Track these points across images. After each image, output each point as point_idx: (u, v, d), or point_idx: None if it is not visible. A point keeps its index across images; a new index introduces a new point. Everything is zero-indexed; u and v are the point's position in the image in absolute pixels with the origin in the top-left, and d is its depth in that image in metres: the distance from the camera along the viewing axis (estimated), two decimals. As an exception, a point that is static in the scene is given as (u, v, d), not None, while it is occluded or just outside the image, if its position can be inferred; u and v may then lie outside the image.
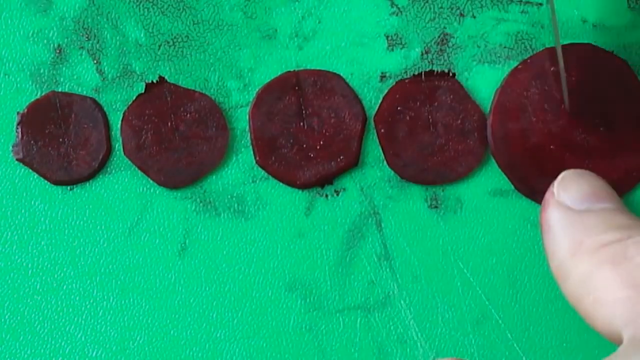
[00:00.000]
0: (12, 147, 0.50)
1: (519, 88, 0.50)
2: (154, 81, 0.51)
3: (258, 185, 0.50)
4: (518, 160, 0.50)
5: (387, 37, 0.51)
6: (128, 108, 0.50)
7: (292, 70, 0.51)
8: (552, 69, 0.50)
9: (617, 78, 0.50)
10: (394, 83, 0.51)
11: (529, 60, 0.50)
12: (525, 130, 0.50)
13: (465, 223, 0.50)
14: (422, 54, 0.51)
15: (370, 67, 0.51)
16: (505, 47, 0.51)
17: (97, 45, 0.51)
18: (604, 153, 0.50)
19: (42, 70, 0.51)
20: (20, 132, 0.50)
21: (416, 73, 0.51)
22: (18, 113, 0.51)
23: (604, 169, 0.49)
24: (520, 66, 0.50)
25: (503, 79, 0.50)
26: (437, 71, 0.51)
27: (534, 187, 0.50)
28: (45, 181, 0.50)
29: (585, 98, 0.50)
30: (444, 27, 0.51)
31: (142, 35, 0.51)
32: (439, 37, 0.51)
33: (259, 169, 0.50)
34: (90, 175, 0.50)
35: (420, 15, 0.51)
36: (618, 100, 0.50)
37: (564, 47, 0.50)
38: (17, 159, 0.50)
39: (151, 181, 0.50)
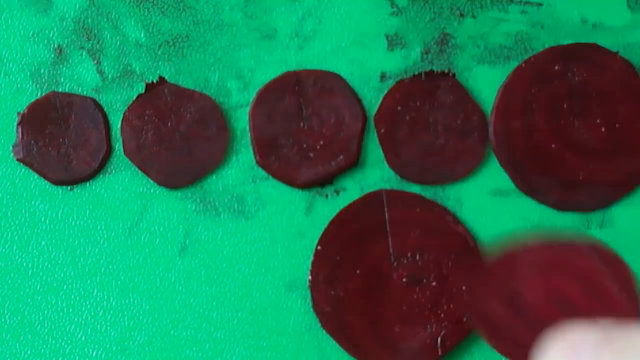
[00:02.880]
0: (12, 147, 0.51)
1: (522, 86, 0.50)
2: (154, 81, 0.51)
3: (258, 185, 0.50)
4: (519, 158, 0.50)
5: (387, 37, 0.51)
6: (128, 108, 0.50)
7: (292, 70, 0.51)
8: (555, 67, 0.50)
9: (620, 78, 0.50)
10: (394, 83, 0.51)
11: (532, 59, 0.50)
12: (527, 129, 0.50)
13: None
14: (422, 54, 0.51)
15: (370, 67, 0.51)
16: (505, 47, 0.51)
17: (97, 45, 0.51)
18: (605, 153, 0.49)
19: (42, 70, 0.51)
20: (20, 132, 0.50)
21: (416, 73, 0.51)
22: (18, 113, 0.51)
23: (605, 169, 0.49)
24: (523, 65, 0.50)
25: (506, 77, 0.50)
26: (437, 71, 0.51)
27: (534, 186, 0.50)
28: (46, 181, 0.50)
29: (588, 98, 0.50)
30: (444, 27, 0.51)
31: (142, 35, 0.51)
32: (439, 37, 0.51)
33: (259, 169, 0.50)
34: (90, 175, 0.50)
35: (420, 15, 0.51)
36: (621, 101, 0.50)
37: (567, 46, 0.50)
38: (17, 159, 0.50)
39: (151, 181, 0.50)
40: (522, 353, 0.41)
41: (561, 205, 0.50)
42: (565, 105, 0.50)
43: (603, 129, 0.50)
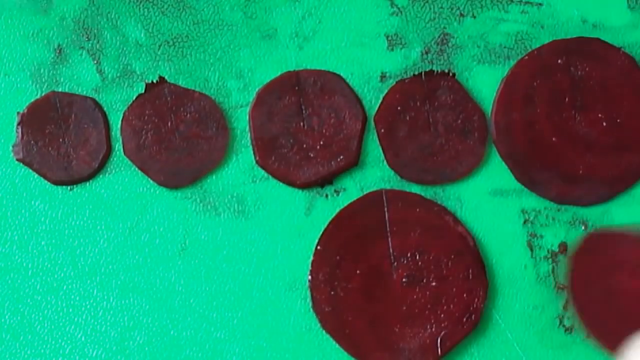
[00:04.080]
0: (12, 147, 0.51)
1: (525, 79, 0.50)
2: (154, 81, 0.51)
3: (258, 185, 0.50)
4: (520, 150, 0.50)
5: (387, 37, 0.51)
6: (128, 108, 0.50)
7: (292, 70, 0.51)
8: (558, 61, 0.50)
9: (623, 74, 0.50)
10: (394, 83, 0.51)
11: (535, 52, 0.50)
12: (528, 121, 0.50)
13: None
14: (422, 54, 0.51)
15: (370, 67, 0.51)
16: (505, 47, 0.51)
17: (97, 45, 0.51)
18: (605, 148, 0.49)
19: (42, 70, 0.51)
20: (20, 132, 0.50)
21: (416, 73, 0.51)
22: (18, 113, 0.51)
23: (605, 163, 0.49)
24: (526, 57, 0.50)
25: (509, 69, 0.50)
26: (437, 71, 0.51)
27: (534, 179, 0.50)
28: (46, 181, 0.50)
29: (590, 92, 0.50)
30: (444, 27, 0.51)
31: (142, 35, 0.51)
32: (439, 37, 0.51)
33: (259, 169, 0.50)
34: (90, 175, 0.50)
35: (420, 15, 0.51)
36: (623, 97, 0.50)
37: (570, 40, 0.50)
38: (17, 159, 0.50)
39: (151, 181, 0.50)
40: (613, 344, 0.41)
41: (561, 199, 0.50)
42: (566, 99, 0.50)
43: (604, 124, 0.50)
